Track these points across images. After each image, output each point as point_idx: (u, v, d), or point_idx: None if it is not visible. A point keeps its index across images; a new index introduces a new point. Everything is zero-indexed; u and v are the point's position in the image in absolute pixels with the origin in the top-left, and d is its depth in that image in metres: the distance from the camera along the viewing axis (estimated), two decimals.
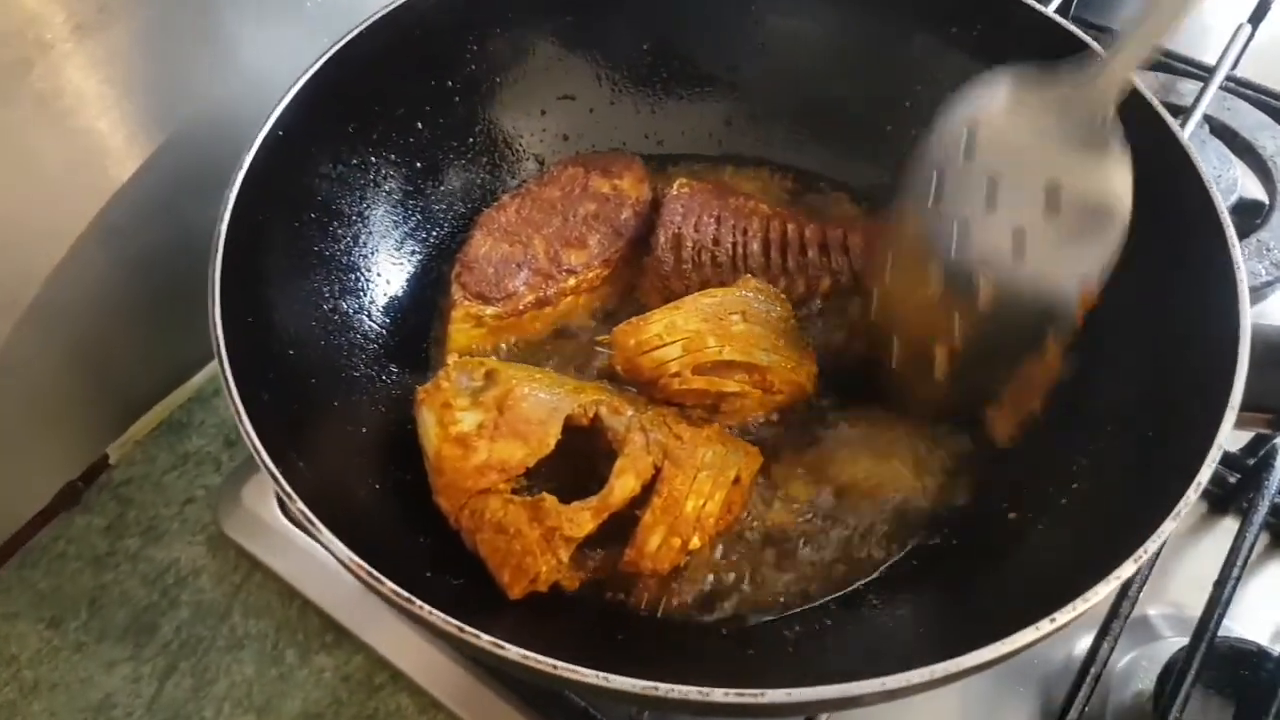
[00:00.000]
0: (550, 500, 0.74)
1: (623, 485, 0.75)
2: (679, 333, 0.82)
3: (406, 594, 0.60)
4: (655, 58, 1.03)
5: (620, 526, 0.77)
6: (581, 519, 0.74)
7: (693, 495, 0.76)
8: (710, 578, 0.81)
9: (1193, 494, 0.64)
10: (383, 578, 0.61)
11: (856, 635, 0.78)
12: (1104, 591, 0.61)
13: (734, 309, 0.85)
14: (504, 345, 0.94)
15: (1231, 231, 0.74)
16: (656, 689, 0.57)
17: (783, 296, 0.90)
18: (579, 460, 0.81)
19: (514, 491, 0.76)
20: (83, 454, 1.02)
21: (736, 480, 0.79)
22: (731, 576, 0.81)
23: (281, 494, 0.65)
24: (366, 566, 0.61)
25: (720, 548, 0.82)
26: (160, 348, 1.04)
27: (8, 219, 0.83)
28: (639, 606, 0.79)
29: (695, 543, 0.77)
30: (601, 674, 0.57)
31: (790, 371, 0.85)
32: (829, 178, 1.05)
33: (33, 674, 0.91)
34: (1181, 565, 0.96)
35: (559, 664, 0.58)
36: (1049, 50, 0.88)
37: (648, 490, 0.77)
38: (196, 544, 0.99)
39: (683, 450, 0.77)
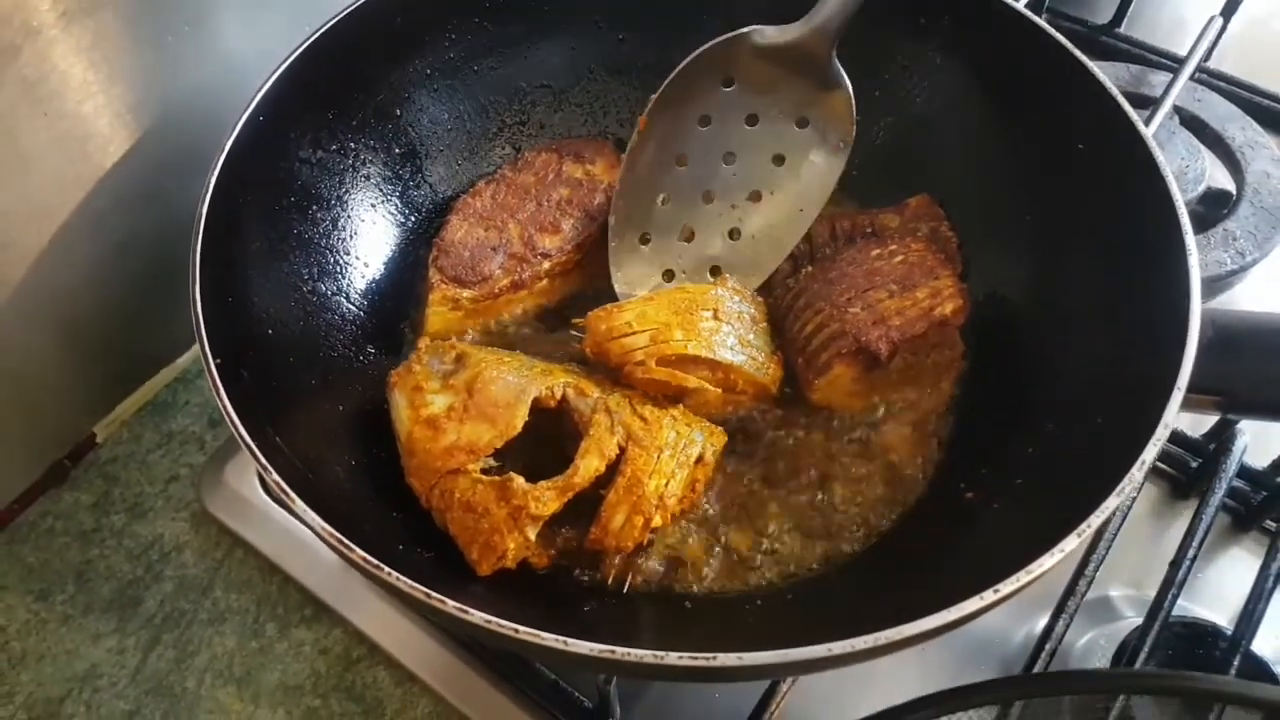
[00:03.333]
0: (517, 480, 0.76)
1: (587, 465, 0.77)
2: (648, 323, 0.84)
3: (375, 561, 0.62)
4: (631, 47, 1.05)
5: (589, 505, 0.79)
6: (547, 498, 0.76)
7: (655, 475, 0.78)
8: (675, 555, 0.83)
9: (1138, 472, 0.66)
10: (353, 545, 0.63)
11: (816, 609, 0.80)
12: (1048, 564, 0.63)
13: (706, 306, 0.86)
14: (479, 328, 0.96)
15: (1183, 210, 0.76)
16: (614, 652, 0.59)
17: (758, 299, 0.91)
18: (548, 441, 0.82)
19: (483, 472, 0.77)
20: (70, 433, 1.04)
21: (700, 459, 0.81)
22: (696, 555, 0.83)
23: (258, 468, 0.67)
24: (337, 535, 0.63)
25: (685, 526, 0.84)
26: (146, 329, 1.06)
27: None
28: (605, 582, 0.81)
29: (658, 521, 0.79)
30: (560, 638, 0.59)
31: (754, 372, 0.86)
32: None
33: (20, 645, 0.94)
34: (1145, 548, 0.98)
35: (520, 628, 0.60)
36: (1016, 42, 0.91)
37: (613, 470, 0.79)
38: (180, 520, 1.01)
39: (646, 431, 0.79)
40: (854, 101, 0.90)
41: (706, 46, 0.87)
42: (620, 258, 0.94)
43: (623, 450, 0.79)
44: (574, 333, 0.90)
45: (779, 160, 0.92)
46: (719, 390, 0.86)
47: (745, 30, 0.87)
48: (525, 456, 0.80)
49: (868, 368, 0.86)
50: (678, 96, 0.88)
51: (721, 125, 0.90)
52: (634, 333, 0.83)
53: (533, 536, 0.76)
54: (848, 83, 0.90)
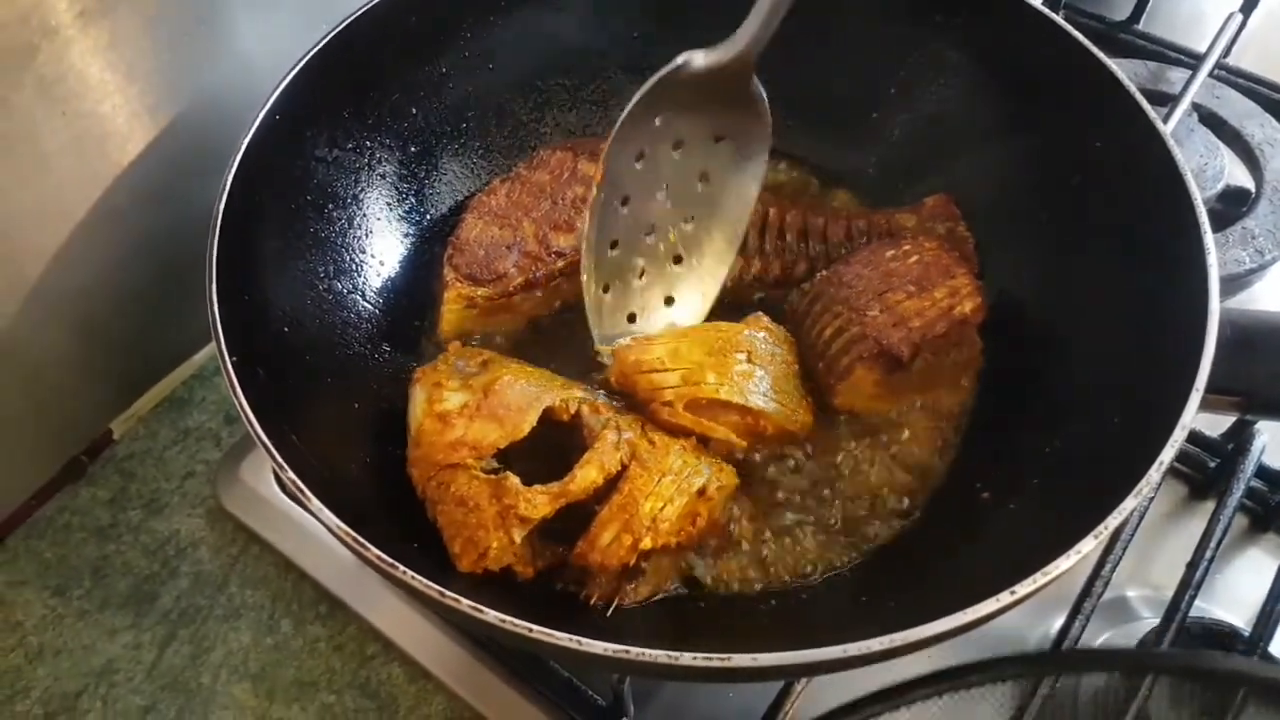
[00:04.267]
0: (512, 480, 0.75)
1: (584, 476, 0.76)
2: (681, 361, 0.82)
3: (390, 560, 0.63)
4: (645, 44, 1.05)
5: (586, 524, 0.77)
6: (539, 501, 0.75)
7: (652, 497, 0.76)
8: (674, 580, 0.82)
9: (1155, 473, 0.65)
10: (367, 544, 0.63)
11: (831, 609, 0.80)
12: (1064, 565, 0.63)
13: (740, 348, 0.84)
14: (494, 326, 0.96)
15: (1202, 209, 0.76)
16: (628, 652, 0.59)
17: (790, 339, 0.89)
18: (560, 457, 0.81)
19: (483, 471, 0.77)
20: (87, 429, 1.05)
21: (703, 493, 0.79)
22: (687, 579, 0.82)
23: (274, 466, 0.67)
24: (352, 533, 0.64)
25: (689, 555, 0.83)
26: (162, 326, 1.06)
27: (13, 201, 0.86)
28: (589, 600, 0.78)
29: (647, 543, 0.76)
30: (574, 638, 0.59)
31: (785, 420, 0.85)
32: (814, 164, 1.06)
33: (38, 640, 0.94)
34: (1163, 548, 0.98)
35: (534, 628, 0.60)
36: (1033, 39, 0.91)
37: (612, 488, 0.77)
38: (196, 517, 1.01)
39: (651, 453, 0.78)
40: (769, 109, 0.88)
41: (647, 85, 0.84)
42: (592, 313, 0.91)
43: (624, 468, 0.78)
44: (601, 360, 0.89)
45: (704, 178, 0.91)
46: (743, 442, 0.84)
47: (679, 60, 0.84)
48: (534, 472, 0.78)
49: (889, 370, 0.86)
50: (623, 137, 0.86)
51: (653, 157, 0.89)
52: (665, 369, 0.82)
53: (518, 539, 0.75)
54: (762, 92, 0.87)
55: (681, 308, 0.93)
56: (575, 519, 0.77)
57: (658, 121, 0.86)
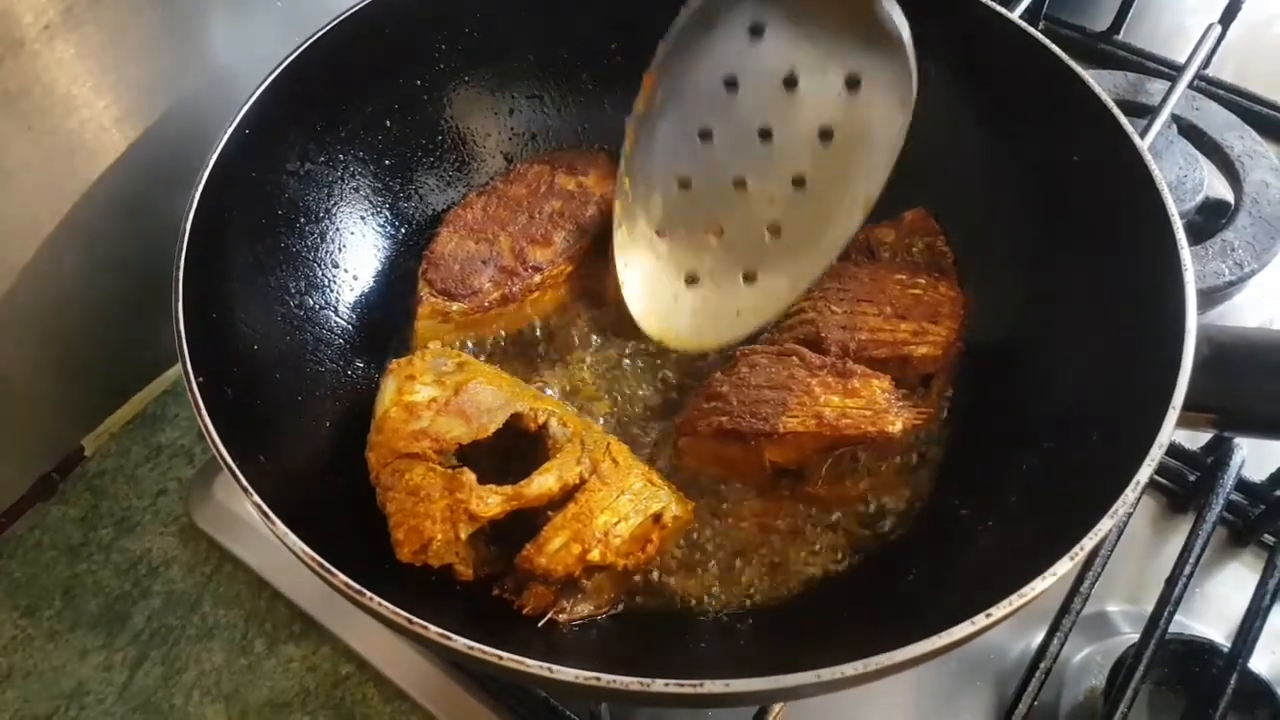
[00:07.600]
0: (469, 476, 0.75)
1: (542, 482, 0.76)
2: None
3: (357, 586, 0.62)
4: (623, 57, 1.04)
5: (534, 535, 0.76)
6: (492, 501, 0.74)
7: (608, 511, 0.76)
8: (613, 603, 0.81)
9: (1131, 493, 0.65)
10: (334, 570, 0.62)
11: (809, 630, 0.79)
12: (1041, 587, 0.62)
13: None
14: (470, 340, 0.95)
15: (1179, 225, 0.75)
16: (599, 679, 0.58)
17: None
18: (522, 472, 0.79)
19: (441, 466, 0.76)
20: (58, 446, 1.04)
21: (659, 519, 0.79)
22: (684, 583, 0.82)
23: (240, 488, 0.66)
24: (318, 558, 0.63)
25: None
26: (134, 342, 1.05)
27: None
28: (522, 609, 0.77)
29: (595, 556, 0.75)
30: (545, 665, 0.59)
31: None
32: None
33: (7, 661, 0.93)
34: (1142, 562, 0.97)
35: (504, 655, 0.59)
36: (1011, 53, 0.90)
37: (568, 500, 0.77)
38: (168, 535, 1.00)
39: (613, 471, 0.78)
40: (913, 50, 0.72)
41: None
42: (630, 252, 0.79)
43: (583, 482, 0.77)
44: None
45: (826, 134, 0.74)
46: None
47: None
48: (491, 481, 0.77)
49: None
50: (695, 45, 0.70)
51: (753, 89, 0.72)
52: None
53: (463, 536, 0.74)
54: (905, 24, 0.71)
55: (760, 290, 0.78)
56: (524, 532, 0.76)
57: (757, 39, 0.70)
